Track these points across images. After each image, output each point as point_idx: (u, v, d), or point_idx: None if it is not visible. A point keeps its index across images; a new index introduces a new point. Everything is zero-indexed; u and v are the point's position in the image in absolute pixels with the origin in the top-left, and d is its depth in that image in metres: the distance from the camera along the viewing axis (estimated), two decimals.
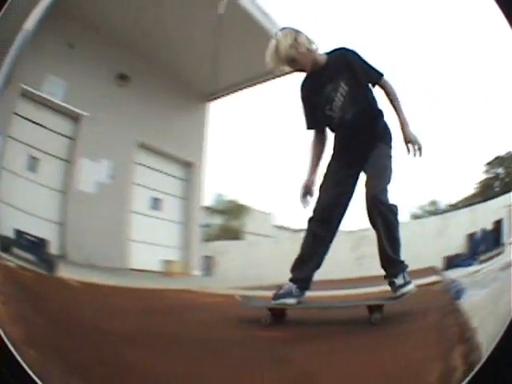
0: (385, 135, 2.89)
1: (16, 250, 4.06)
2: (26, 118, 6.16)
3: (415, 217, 5.91)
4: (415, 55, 5.47)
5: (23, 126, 6.09)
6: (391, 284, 2.61)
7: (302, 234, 2.93)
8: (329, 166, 2.96)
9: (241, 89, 7.98)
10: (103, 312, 3.05)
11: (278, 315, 2.75)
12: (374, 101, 2.91)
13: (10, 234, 4.34)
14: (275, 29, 6.76)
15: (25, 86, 6.08)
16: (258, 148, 7.90)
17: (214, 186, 8.87)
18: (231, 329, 2.78)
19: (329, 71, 2.80)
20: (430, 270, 3.84)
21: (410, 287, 2.58)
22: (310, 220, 2.88)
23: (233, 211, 9.41)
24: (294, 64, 2.81)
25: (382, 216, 2.60)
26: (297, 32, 2.80)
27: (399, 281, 2.58)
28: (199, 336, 2.52)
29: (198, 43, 6.77)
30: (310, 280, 2.83)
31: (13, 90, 5.74)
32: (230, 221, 9.44)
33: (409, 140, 2.65)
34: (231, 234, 9.23)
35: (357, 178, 2.87)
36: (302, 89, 2.95)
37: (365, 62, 2.81)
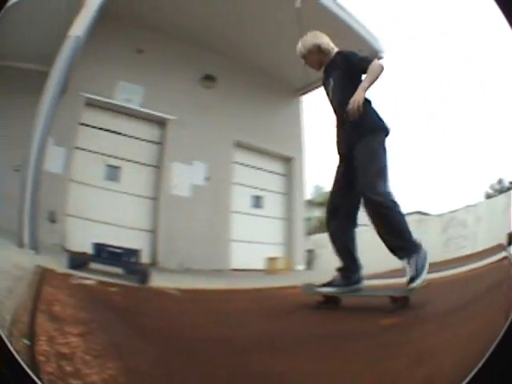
0: (373, 125, 2.86)
1: (95, 266, 3.78)
2: (96, 127, 6.07)
3: (487, 196, 6.04)
4: None
5: (94, 136, 6.00)
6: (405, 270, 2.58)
7: None
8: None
9: None
10: (216, 318, 2.56)
11: (331, 301, 2.89)
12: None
13: (86, 249, 4.07)
14: (352, 19, 6.71)
15: (92, 96, 5.98)
16: None
17: (313, 179, 9.00)
18: (351, 321, 2.53)
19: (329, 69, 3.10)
20: (499, 247, 3.74)
21: (418, 282, 2.49)
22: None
23: None
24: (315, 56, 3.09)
25: (372, 213, 2.68)
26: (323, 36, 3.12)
27: (411, 270, 2.52)
28: (322, 332, 2.21)
29: (280, 38, 6.36)
30: (351, 269, 2.88)
31: (75, 101, 5.65)
32: None
33: (353, 99, 2.72)
34: None
35: (348, 172, 2.86)
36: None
37: (354, 57, 2.98)
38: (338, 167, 2.96)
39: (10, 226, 4.70)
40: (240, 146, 7.36)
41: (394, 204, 2.62)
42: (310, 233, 8.60)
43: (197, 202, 6.51)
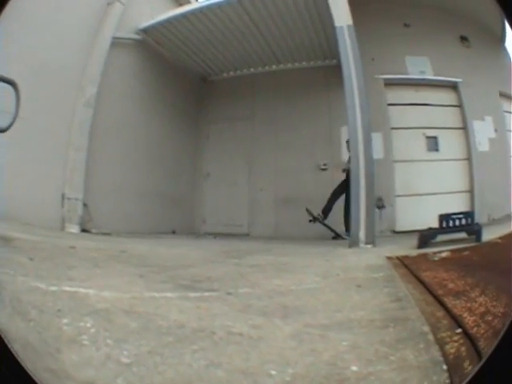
0: None
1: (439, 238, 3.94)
2: (403, 104, 6.67)
3: None
4: None
5: (404, 112, 6.59)
6: None
7: None
8: None
9: None
10: None
11: None
12: None
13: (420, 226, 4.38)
14: None
15: (389, 76, 6.61)
16: None
17: None
18: None
19: None
20: None
21: None
22: None
23: None
24: None
25: None
26: None
27: None
28: None
29: None
30: None
31: (375, 85, 6.29)
32: None
33: None
34: None
35: None
36: None
37: None
38: None
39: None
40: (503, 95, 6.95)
41: None
42: None
43: (494, 155, 6.59)
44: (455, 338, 1.22)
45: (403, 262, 2.70)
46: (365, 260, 3.24)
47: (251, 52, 7.21)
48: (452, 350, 1.12)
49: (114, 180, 6.15)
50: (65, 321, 1.34)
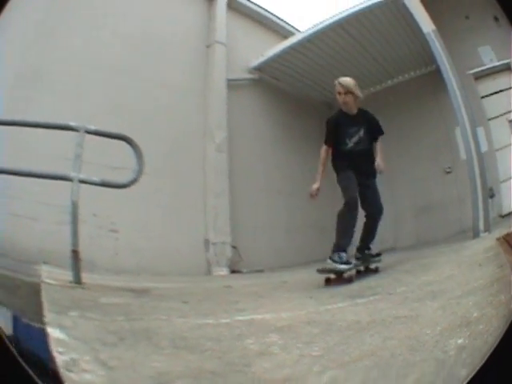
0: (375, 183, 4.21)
1: None
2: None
3: None
4: None
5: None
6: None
7: None
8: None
9: None
10: None
11: None
12: (372, 147, 4.21)
13: None
14: None
15: (477, 69, 6.44)
16: None
17: None
18: None
19: (357, 119, 4.13)
20: None
21: None
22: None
23: None
24: (347, 95, 4.05)
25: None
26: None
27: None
28: None
29: None
30: None
31: (466, 82, 5.99)
32: None
33: (379, 162, 4.06)
34: None
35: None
36: (334, 120, 4.19)
37: (378, 124, 4.29)
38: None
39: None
40: None
41: None
42: None
43: None
44: None
45: (506, 240, 3.07)
46: (483, 245, 3.90)
47: (363, 71, 7.33)
48: None
49: (261, 219, 6.49)
50: (249, 341, 1.69)
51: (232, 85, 6.54)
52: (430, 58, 6.14)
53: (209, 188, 5.85)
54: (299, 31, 7.68)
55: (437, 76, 5.88)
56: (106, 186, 3.25)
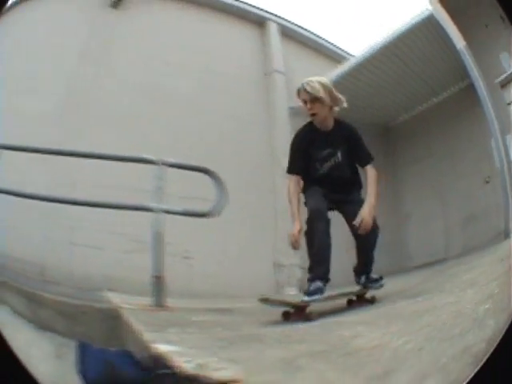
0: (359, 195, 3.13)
1: None
2: None
3: None
4: None
5: None
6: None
7: None
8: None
9: None
10: None
11: None
12: (355, 172, 3.19)
13: None
14: None
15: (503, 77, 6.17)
16: None
17: None
18: None
19: (332, 137, 3.06)
20: None
21: None
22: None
23: None
24: (314, 104, 2.96)
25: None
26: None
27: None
28: None
29: None
30: None
31: (491, 91, 5.94)
32: None
33: (362, 216, 2.85)
34: None
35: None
36: (301, 139, 3.13)
37: (362, 145, 3.14)
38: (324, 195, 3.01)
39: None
40: None
41: None
42: None
43: None
44: None
45: None
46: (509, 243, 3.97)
47: (411, 90, 7.48)
48: None
49: None
50: None
51: (295, 113, 6.59)
52: (463, 73, 6.20)
53: (278, 213, 5.97)
54: (341, 51, 7.92)
55: (471, 90, 5.95)
56: (188, 215, 3.34)
